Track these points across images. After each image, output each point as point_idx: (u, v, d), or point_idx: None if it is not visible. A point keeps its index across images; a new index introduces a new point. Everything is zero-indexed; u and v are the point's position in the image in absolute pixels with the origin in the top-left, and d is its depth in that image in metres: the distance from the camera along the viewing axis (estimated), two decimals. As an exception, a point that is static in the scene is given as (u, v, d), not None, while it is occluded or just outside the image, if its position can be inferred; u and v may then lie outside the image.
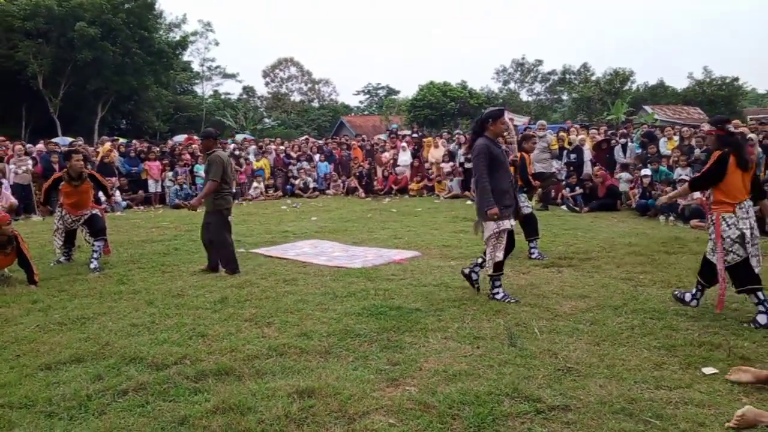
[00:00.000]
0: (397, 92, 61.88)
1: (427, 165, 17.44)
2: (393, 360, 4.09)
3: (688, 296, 5.23)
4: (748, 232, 4.72)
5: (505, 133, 6.23)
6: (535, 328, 4.70)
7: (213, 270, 6.99)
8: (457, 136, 18.10)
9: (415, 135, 20.71)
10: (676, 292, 5.37)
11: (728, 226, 4.74)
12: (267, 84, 61.13)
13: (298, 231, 10.42)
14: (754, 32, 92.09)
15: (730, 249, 4.75)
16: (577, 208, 12.47)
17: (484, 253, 5.69)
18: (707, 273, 5.03)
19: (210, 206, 6.99)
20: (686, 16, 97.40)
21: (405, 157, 17.74)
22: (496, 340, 4.45)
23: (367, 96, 64.70)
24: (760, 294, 4.66)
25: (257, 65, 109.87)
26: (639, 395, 3.43)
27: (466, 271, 5.92)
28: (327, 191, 17.86)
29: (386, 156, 18.13)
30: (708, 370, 3.79)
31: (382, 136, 23.36)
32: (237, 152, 17.60)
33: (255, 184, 16.85)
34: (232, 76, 56.08)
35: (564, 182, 13.40)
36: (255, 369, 3.94)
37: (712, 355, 4.06)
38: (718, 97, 42.21)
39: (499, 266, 5.56)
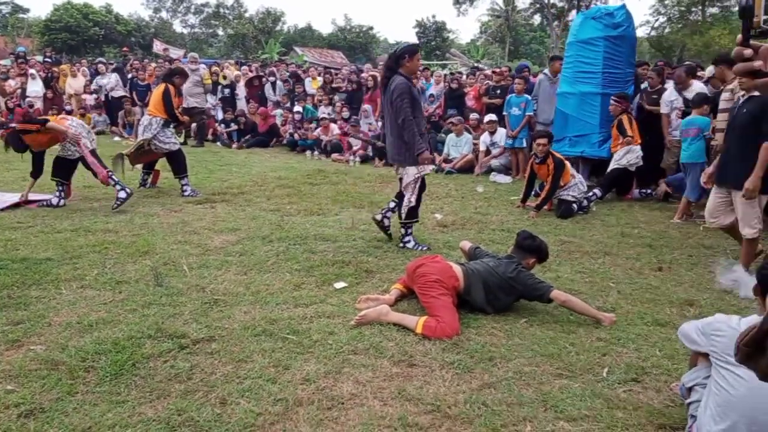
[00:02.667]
0: (26, 10, 52.47)
1: (65, 97, 15.32)
2: (15, 319, 3.54)
3: None
4: None
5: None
6: (184, 265, 4.60)
7: None
8: (99, 64, 16.20)
9: (47, 60, 17.90)
10: None
11: None
12: None
13: None
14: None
15: None
16: (234, 145, 12.54)
17: (397, 197, 5.36)
18: None
19: None
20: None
21: (36, 87, 15.19)
22: (141, 282, 4.22)
23: (-14, 12, 53.24)
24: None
25: None
26: (279, 315, 3.67)
27: (378, 216, 5.40)
28: (-74, 126, 14.29)
29: (11, 84, 15.27)
30: (339, 285, 4.26)
31: (6, 62, 19.60)
32: None
33: None
34: None
35: (219, 118, 13.29)
36: None
37: (343, 271, 4.57)
38: (357, 44, 46.88)
39: (413, 213, 5.24)
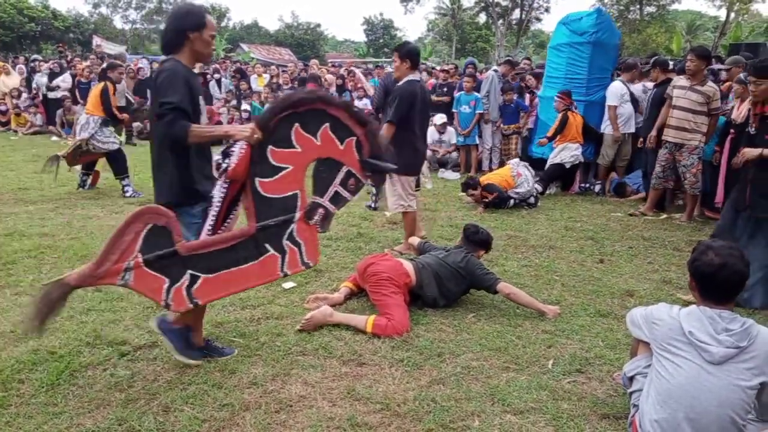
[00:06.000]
0: (-48, 4, 49.88)
1: (-1, 96, 14.62)
2: (-59, 330, 3.35)
3: None
4: None
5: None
6: (126, 268, 4.45)
7: None
8: (36, 62, 15.51)
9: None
10: None
11: None
12: None
13: None
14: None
15: None
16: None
17: None
18: None
19: None
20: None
21: (-32, 85, 14.45)
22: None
23: None
24: None
25: None
26: (225, 318, 3.60)
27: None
28: None
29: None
30: (287, 285, 4.20)
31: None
32: None
33: None
34: None
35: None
36: None
37: (292, 271, 4.50)
38: (305, 41, 46.54)
39: None
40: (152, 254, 2.53)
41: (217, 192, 2.77)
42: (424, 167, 5.83)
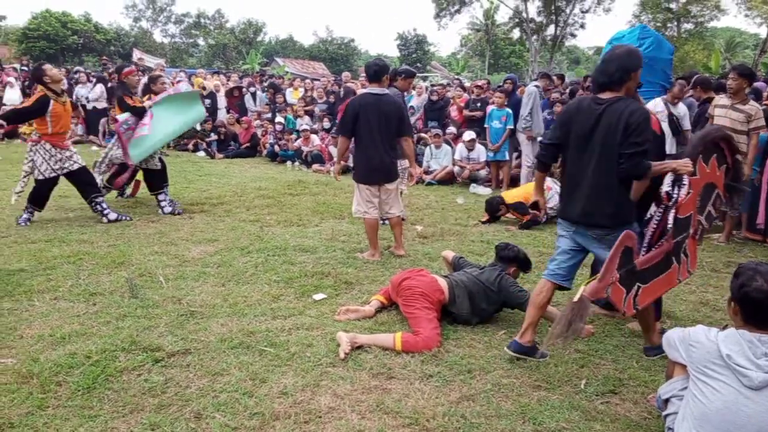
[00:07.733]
0: (2, 18, 51.97)
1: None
2: (-16, 331, 3.46)
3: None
4: None
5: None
6: (161, 276, 4.54)
7: None
8: (79, 74, 15.99)
9: (24, 69, 17.65)
10: None
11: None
12: None
13: None
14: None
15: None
16: (211, 155, 12.45)
17: None
18: None
19: None
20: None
21: (14, 96, 14.94)
22: (115, 294, 4.15)
23: (-41, 19, 52.44)
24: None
25: None
26: (257, 328, 3.63)
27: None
28: None
29: (-14, 92, 15.02)
30: (318, 296, 4.23)
31: (-19, 69, 19.28)
32: None
33: None
34: None
35: (198, 129, 13.19)
36: None
37: (322, 282, 4.54)
38: (338, 55, 47.08)
39: None
40: (622, 270, 2.88)
41: (656, 216, 3.14)
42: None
